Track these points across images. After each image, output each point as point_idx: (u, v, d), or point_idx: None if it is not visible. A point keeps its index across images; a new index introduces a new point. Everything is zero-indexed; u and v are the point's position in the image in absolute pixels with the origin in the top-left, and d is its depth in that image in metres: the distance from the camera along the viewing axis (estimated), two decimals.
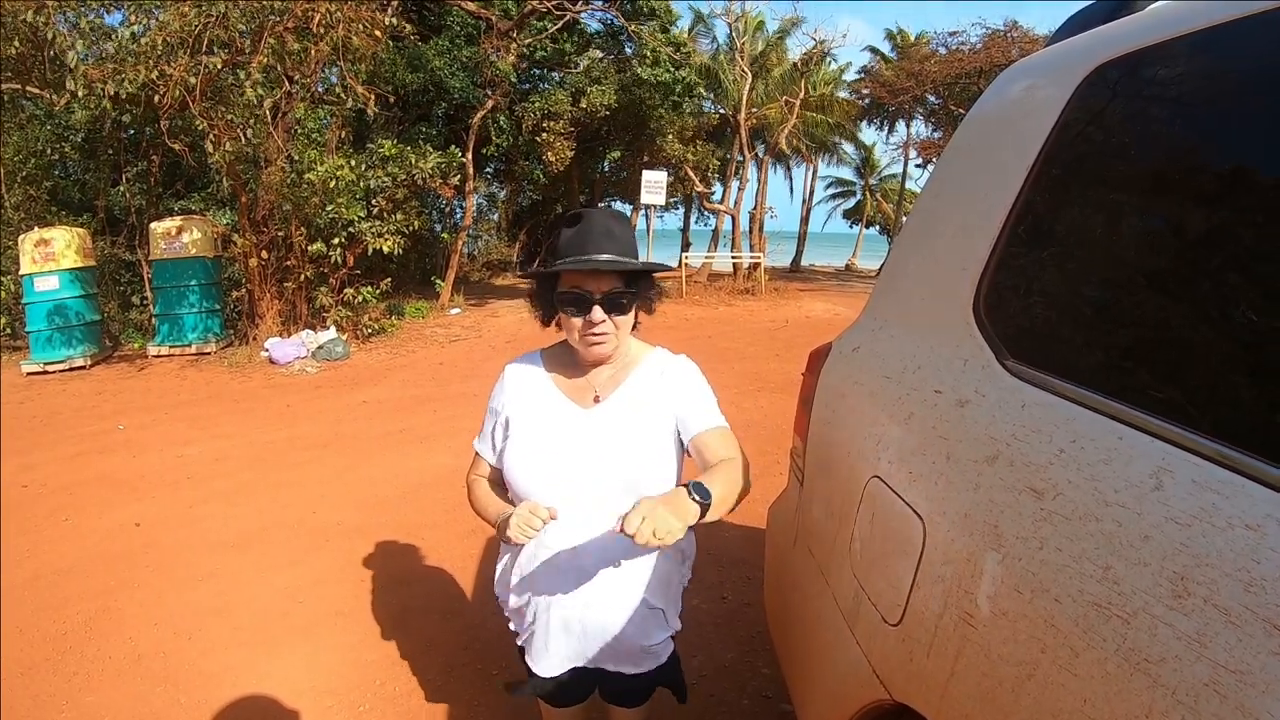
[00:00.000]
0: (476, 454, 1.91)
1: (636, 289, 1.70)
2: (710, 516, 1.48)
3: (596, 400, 1.77)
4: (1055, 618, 0.93)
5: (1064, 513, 0.98)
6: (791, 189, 37.99)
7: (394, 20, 11.30)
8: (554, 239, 1.74)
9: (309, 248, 11.45)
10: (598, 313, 1.63)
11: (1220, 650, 0.74)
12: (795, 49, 26.86)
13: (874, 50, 31.89)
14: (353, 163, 11.64)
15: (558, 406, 1.77)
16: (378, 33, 10.66)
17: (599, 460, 1.68)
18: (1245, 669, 0.71)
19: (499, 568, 1.93)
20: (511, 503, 1.78)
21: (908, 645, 1.23)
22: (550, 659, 1.80)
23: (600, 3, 16.72)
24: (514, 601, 1.85)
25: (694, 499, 1.43)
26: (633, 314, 1.73)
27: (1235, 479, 0.82)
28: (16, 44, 8.73)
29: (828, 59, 26.24)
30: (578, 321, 1.66)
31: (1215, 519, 0.81)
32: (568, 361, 1.83)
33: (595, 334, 1.65)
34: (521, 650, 1.92)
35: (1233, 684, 0.72)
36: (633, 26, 17.53)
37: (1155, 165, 1.16)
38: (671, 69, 17.79)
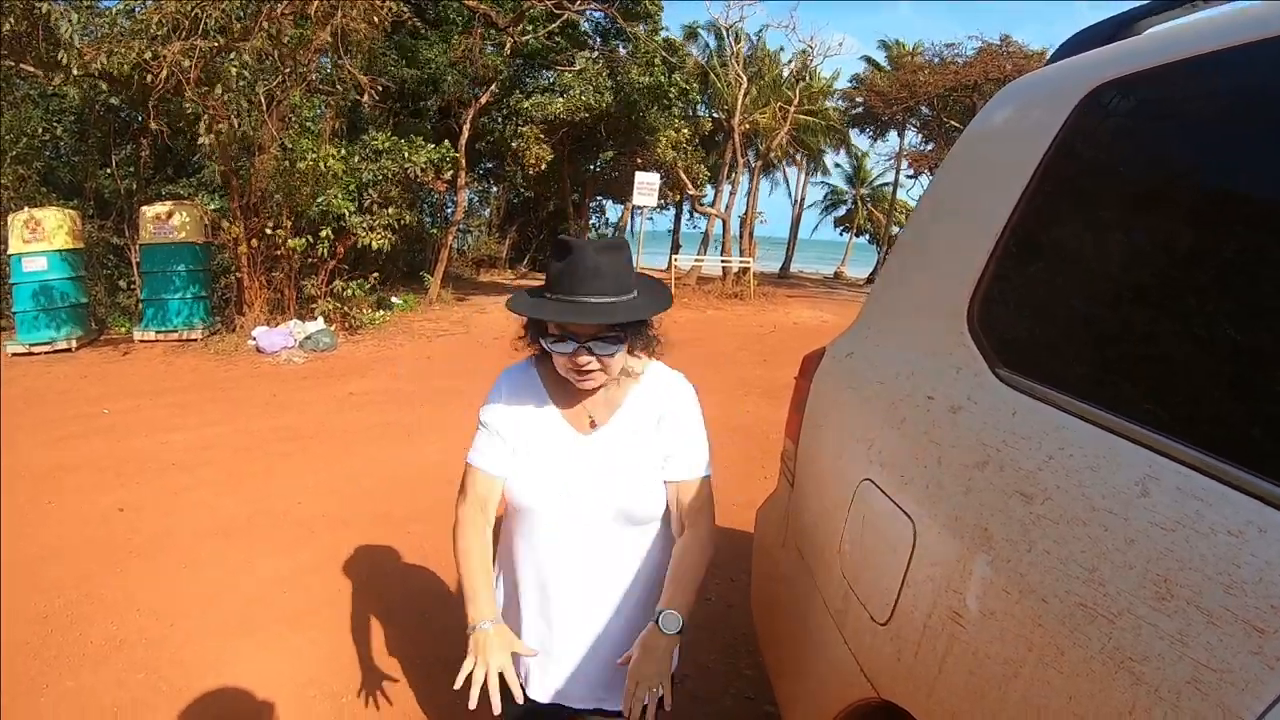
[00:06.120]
0: (469, 468, 1.75)
1: (626, 328, 1.61)
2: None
3: (593, 425, 1.72)
4: (1042, 617, 0.96)
5: (1052, 517, 1.01)
6: (788, 192, 38.08)
7: (394, 5, 11.23)
8: (547, 268, 1.65)
9: (290, 242, 11.35)
10: (583, 357, 1.57)
11: (1202, 650, 0.77)
12: (787, 54, 26.96)
13: (868, 60, 32.07)
14: (344, 152, 11.59)
15: (555, 431, 1.73)
16: (376, 19, 10.60)
17: (595, 489, 1.67)
18: (1226, 668, 0.74)
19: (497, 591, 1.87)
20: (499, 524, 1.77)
21: (896, 644, 1.26)
22: (527, 688, 1.76)
23: (598, 2, 16.71)
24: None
25: (669, 634, 1.57)
26: (624, 348, 1.63)
27: (1219, 487, 0.85)
28: (11, 21, 8.63)
29: (818, 65, 26.31)
30: (564, 360, 1.60)
31: (1199, 525, 0.84)
32: (561, 376, 1.73)
33: (581, 374, 1.60)
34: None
35: (1214, 682, 0.75)
36: (630, 28, 17.54)
37: (1146, 186, 1.19)
38: (666, 73, 17.80)
